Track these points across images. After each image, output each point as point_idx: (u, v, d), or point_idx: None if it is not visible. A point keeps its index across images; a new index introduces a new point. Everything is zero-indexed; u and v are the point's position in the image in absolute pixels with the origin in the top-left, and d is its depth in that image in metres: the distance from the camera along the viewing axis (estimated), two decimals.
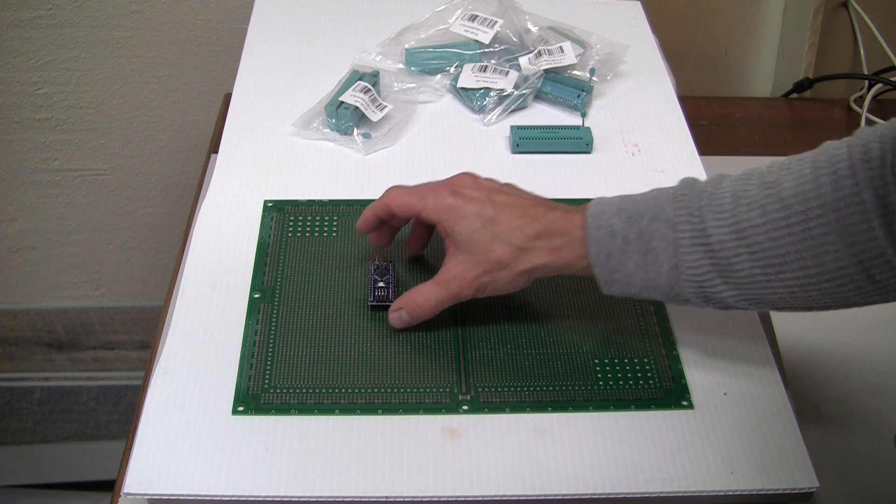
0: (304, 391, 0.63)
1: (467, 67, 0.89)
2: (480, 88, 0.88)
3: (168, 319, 0.69)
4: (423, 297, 0.65)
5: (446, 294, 0.64)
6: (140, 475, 0.58)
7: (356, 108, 0.83)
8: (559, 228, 0.62)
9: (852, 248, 0.54)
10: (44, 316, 1.46)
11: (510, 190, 0.66)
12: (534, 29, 0.94)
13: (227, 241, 0.74)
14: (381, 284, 0.69)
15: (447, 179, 0.67)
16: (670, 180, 0.81)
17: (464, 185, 0.65)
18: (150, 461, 0.59)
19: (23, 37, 1.19)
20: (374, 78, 0.87)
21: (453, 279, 0.64)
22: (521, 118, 0.87)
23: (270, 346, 0.66)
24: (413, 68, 0.91)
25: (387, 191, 0.68)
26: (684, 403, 0.63)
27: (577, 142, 0.83)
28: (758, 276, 0.57)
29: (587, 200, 0.78)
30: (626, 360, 0.66)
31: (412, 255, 0.72)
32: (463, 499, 0.58)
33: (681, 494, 0.59)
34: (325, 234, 0.75)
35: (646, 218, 0.59)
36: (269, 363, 0.65)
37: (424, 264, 0.72)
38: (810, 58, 1.14)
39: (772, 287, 0.57)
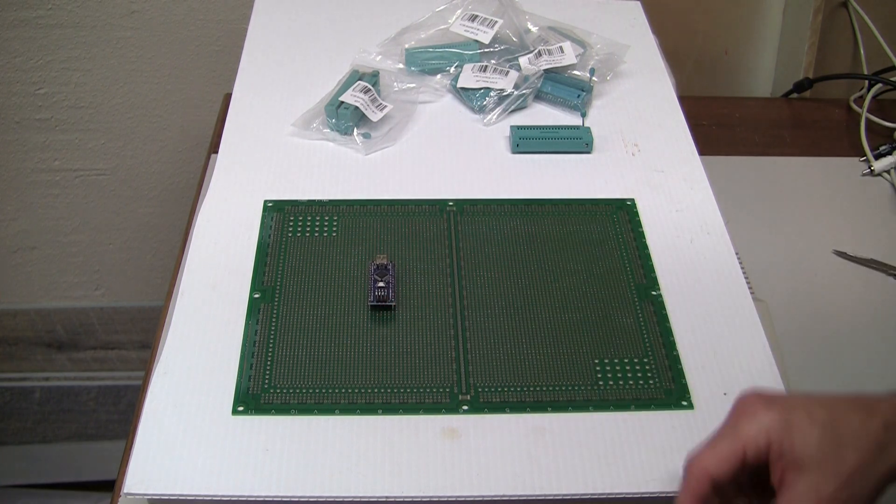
0: (304, 391, 0.63)
1: (467, 67, 0.89)
2: (480, 88, 0.88)
3: (168, 319, 0.69)
4: None
5: None
6: (140, 475, 0.58)
7: (356, 108, 0.83)
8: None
9: None
10: (44, 316, 1.46)
11: (806, 392, 0.54)
12: (534, 29, 0.94)
13: (227, 241, 0.74)
14: (381, 284, 0.69)
15: (736, 406, 0.53)
16: (670, 180, 0.82)
17: (763, 396, 0.52)
18: (150, 461, 0.59)
19: (23, 37, 1.19)
20: (374, 78, 0.87)
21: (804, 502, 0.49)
22: (521, 118, 0.87)
23: (270, 346, 0.66)
24: (413, 68, 0.91)
25: (689, 470, 0.52)
26: (684, 403, 0.63)
27: (577, 142, 0.83)
28: None
29: (588, 200, 0.79)
30: (626, 360, 0.66)
31: None
32: (463, 499, 0.58)
33: None
34: (325, 234, 0.75)
35: None
36: (269, 363, 0.65)
37: (425, 264, 0.72)
38: (810, 58, 1.14)
39: None
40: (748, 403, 0.51)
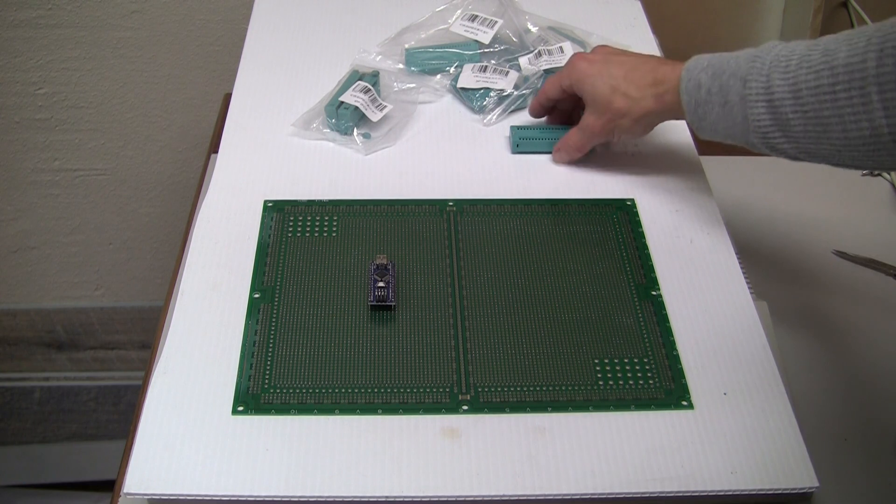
0: (304, 391, 0.63)
1: (467, 67, 0.89)
2: (480, 88, 0.88)
3: (168, 319, 0.69)
4: (574, 139, 0.80)
5: (586, 136, 0.79)
6: (140, 475, 0.58)
7: (356, 108, 0.83)
8: (663, 78, 0.73)
9: (888, 119, 0.58)
10: (44, 316, 1.46)
11: (626, 52, 0.79)
12: (534, 29, 0.94)
13: (227, 241, 0.74)
14: (381, 284, 0.69)
15: (579, 53, 0.81)
16: (670, 180, 0.82)
17: (587, 55, 0.79)
18: (150, 461, 0.59)
19: (23, 37, 1.19)
20: (374, 78, 0.87)
21: (587, 126, 0.78)
22: (521, 118, 0.87)
23: (270, 346, 0.66)
24: (413, 68, 0.91)
25: (539, 93, 0.83)
26: (684, 403, 0.63)
27: None
28: (809, 134, 0.63)
29: (588, 200, 0.79)
30: (626, 360, 0.66)
31: (533, 114, 0.85)
32: (463, 499, 0.58)
33: (681, 494, 0.59)
34: (325, 234, 0.75)
35: (726, 74, 0.67)
36: (269, 363, 0.65)
37: (425, 265, 0.72)
38: None
39: (821, 145, 0.63)
40: (575, 58, 0.79)
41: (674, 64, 0.73)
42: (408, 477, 0.59)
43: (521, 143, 0.83)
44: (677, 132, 0.86)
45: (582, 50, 0.91)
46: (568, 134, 0.80)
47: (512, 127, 0.84)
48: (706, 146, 0.86)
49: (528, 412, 0.62)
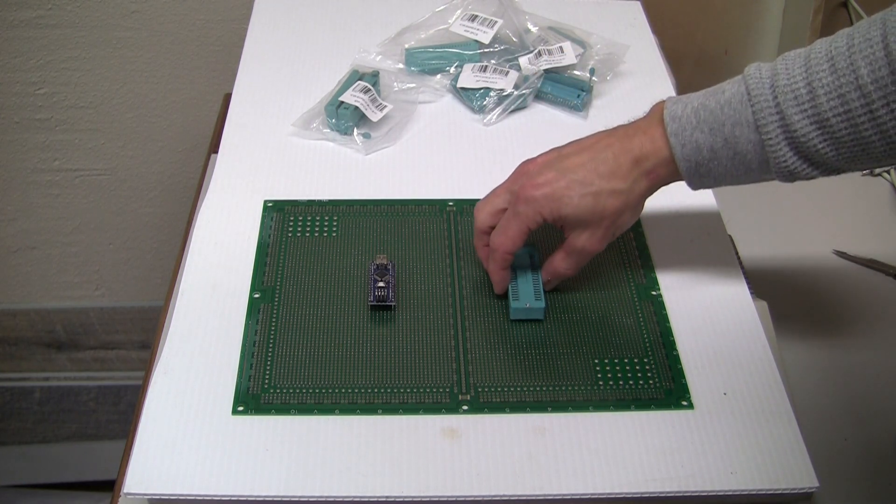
0: (304, 391, 0.63)
1: (467, 67, 0.89)
2: (480, 88, 0.88)
3: (168, 319, 0.69)
4: (565, 265, 0.68)
5: (584, 256, 0.67)
6: (140, 475, 0.58)
7: (356, 108, 0.83)
8: (643, 153, 0.64)
9: None
10: (44, 316, 1.46)
11: (572, 147, 0.67)
12: (534, 29, 0.94)
13: (227, 241, 0.74)
14: (381, 284, 0.69)
15: (511, 179, 0.68)
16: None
17: (531, 174, 0.66)
18: (150, 461, 0.59)
19: (23, 37, 1.19)
20: (374, 78, 0.87)
21: (582, 248, 0.67)
22: (522, 118, 0.87)
23: (270, 346, 0.66)
24: (413, 68, 0.91)
25: (479, 238, 0.70)
26: (684, 403, 0.63)
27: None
28: (843, 156, 0.59)
29: None
30: (626, 360, 0.66)
31: (503, 288, 0.70)
32: (463, 499, 0.58)
33: (681, 494, 0.59)
34: (325, 234, 0.75)
35: (727, 125, 0.62)
36: (269, 363, 0.65)
37: (425, 264, 0.72)
38: None
39: (857, 162, 0.60)
40: (522, 187, 0.66)
41: (643, 132, 0.65)
42: (408, 477, 0.59)
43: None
44: None
45: (582, 50, 0.91)
46: (554, 260, 0.68)
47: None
48: None
49: (528, 412, 0.62)
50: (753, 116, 0.61)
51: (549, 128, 0.86)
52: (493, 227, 0.68)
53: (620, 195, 0.65)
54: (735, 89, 0.62)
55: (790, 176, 0.62)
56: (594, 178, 0.64)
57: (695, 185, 0.65)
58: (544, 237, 0.74)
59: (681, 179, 0.66)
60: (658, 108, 0.65)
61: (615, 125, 0.67)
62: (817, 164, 0.61)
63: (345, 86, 0.85)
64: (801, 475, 0.59)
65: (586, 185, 0.64)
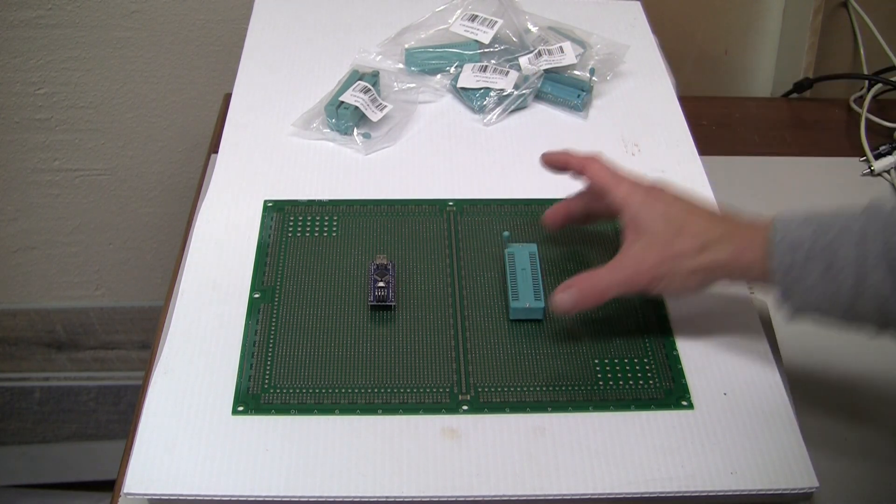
0: (304, 391, 0.63)
1: (467, 67, 0.89)
2: (480, 88, 0.88)
3: (168, 319, 0.69)
4: (597, 279, 0.64)
5: (622, 276, 0.63)
6: (140, 475, 0.58)
7: (356, 108, 0.83)
8: (744, 233, 0.61)
9: None
10: (44, 316, 1.46)
11: (693, 201, 0.66)
12: (534, 29, 0.94)
13: (227, 241, 0.74)
14: (381, 284, 0.69)
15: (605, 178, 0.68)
16: (670, 180, 0.81)
17: (654, 188, 0.66)
18: (150, 461, 0.59)
19: (23, 37, 1.19)
20: (374, 78, 0.87)
21: (631, 261, 0.63)
22: (522, 118, 0.87)
23: (270, 346, 0.66)
24: (413, 68, 0.91)
25: (588, 159, 0.69)
26: (684, 403, 0.63)
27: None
28: None
29: None
30: (626, 360, 0.66)
31: (549, 229, 0.73)
32: (463, 499, 0.58)
33: (681, 494, 0.59)
34: (325, 234, 0.75)
35: (833, 231, 0.57)
36: (269, 363, 0.65)
37: (425, 264, 0.72)
38: (810, 58, 1.14)
39: None
40: (645, 186, 0.66)
41: (752, 219, 0.62)
42: (408, 477, 0.59)
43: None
44: (677, 132, 0.86)
45: (582, 50, 0.91)
46: (589, 273, 0.64)
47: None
48: (707, 146, 0.86)
49: (528, 412, 0.62)
50: (862, 227, 0.56)
51: (549, 128, 0.86)
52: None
53: (695, 240, 0.62)
54: (854, 207, 0.58)
55: (879, 312, 0.56)
56: (682, 210, 0.64)
57: (781, 294, 0.60)
58: (545, 237, 0.74)
59: (760, 281, 0.61)
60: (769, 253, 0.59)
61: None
62: None
63: (345, 86, 0.85)
64: (801, 475, 0.59)
65: (680, 219, 0.63)
